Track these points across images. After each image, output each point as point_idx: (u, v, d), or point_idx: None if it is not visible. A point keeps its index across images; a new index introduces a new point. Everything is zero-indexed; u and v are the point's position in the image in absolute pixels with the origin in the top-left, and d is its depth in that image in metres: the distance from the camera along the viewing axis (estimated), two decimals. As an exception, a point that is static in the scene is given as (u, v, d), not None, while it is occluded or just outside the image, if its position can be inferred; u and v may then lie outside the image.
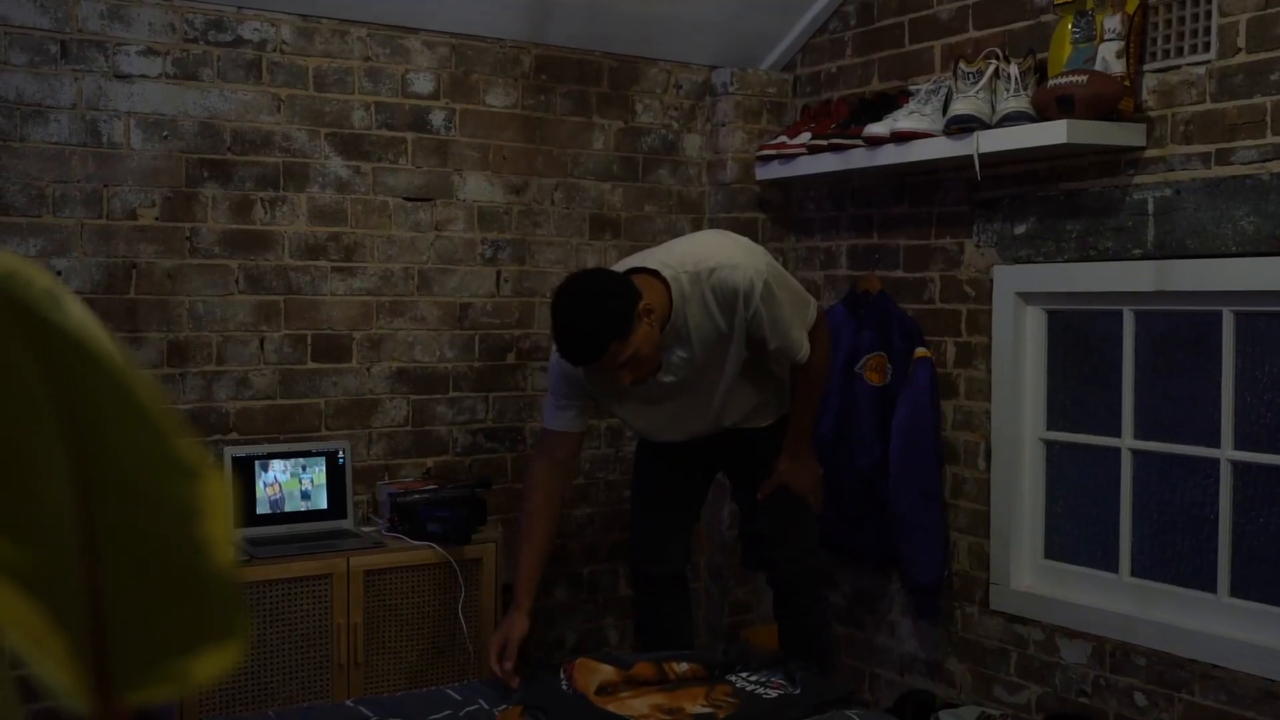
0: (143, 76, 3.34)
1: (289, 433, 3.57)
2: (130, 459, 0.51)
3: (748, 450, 3.24)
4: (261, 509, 3.41)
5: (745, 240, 3.01)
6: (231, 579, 0.54)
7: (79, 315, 0.51)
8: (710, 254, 2.88)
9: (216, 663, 0.55)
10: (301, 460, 3.49)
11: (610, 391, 3.05)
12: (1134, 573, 3.27)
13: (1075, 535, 3.45)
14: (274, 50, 3.52)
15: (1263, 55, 2.85)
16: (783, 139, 3.95)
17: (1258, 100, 2.86)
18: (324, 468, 3.51)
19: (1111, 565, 3.32)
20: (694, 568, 3.79)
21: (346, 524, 3.51)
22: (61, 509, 0.53)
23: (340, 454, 3.54)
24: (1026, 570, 3.52)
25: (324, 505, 3.50)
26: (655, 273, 2.85)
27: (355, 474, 3.61)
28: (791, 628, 3.29)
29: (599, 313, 2.72)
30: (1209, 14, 2.95)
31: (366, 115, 3.66)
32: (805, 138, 3.82)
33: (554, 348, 2.86)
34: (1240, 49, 2.89)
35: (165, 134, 3.37)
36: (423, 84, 3.74)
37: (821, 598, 3.35)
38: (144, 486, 0.52)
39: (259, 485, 3.41)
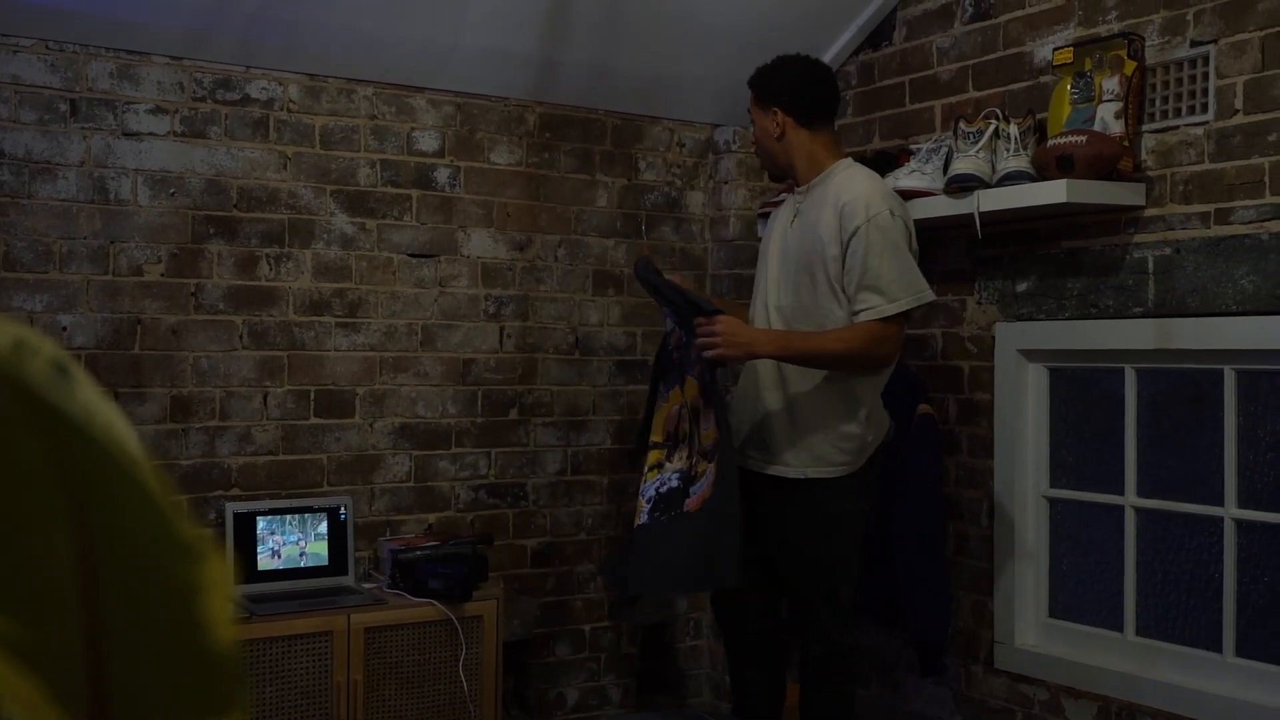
0: (151, 134, 3.37)
1: (291, 488, 3.56)
2: (134, 539, 0.52)
3: (782, 516, 3.13)
4: (262, 565, 3.40)
5: (898, 202, 3.07)
6: (232, 656, 0.54)
7: (83, 395, 0.52)
8: (854, 171, 3.10)
9: (216, 739, 0.55)
10: (303, 516, 3.48)
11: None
12: (1139, 632, 3.25)
13: (1079, 593, 3.43)
14: (281, 109, 3.55)
15: (1260, 116, 2.88)
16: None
17: (1256, 161, 2.89)
18: (326, 524, 3.51)
19: (1116, 624, 3.30)
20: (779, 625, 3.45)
21: (347, 580, 3.50)
22: (65, 586, 0.54)
23: (342, 510, 3.53)
24: (1030, 628, 3.50)
25: (325, 561, 3.49)
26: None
27: (357, 530, 3.61)
28: (812, 700, 3.23)
29: (770, 66, 3.17)
30: (1206, 76, 2.98)
31: (372, 172, 3.69)
32: (807, 195, 3.84)
33: None
34: (1238, 110, 2.92)
35: (172, 191, 3.40)
36: (428, 142, 3.78)
37: (849, 678, 3.21)
38: (147, 566, 0.52)
39: (260, 541, 3.41)
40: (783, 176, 3.27)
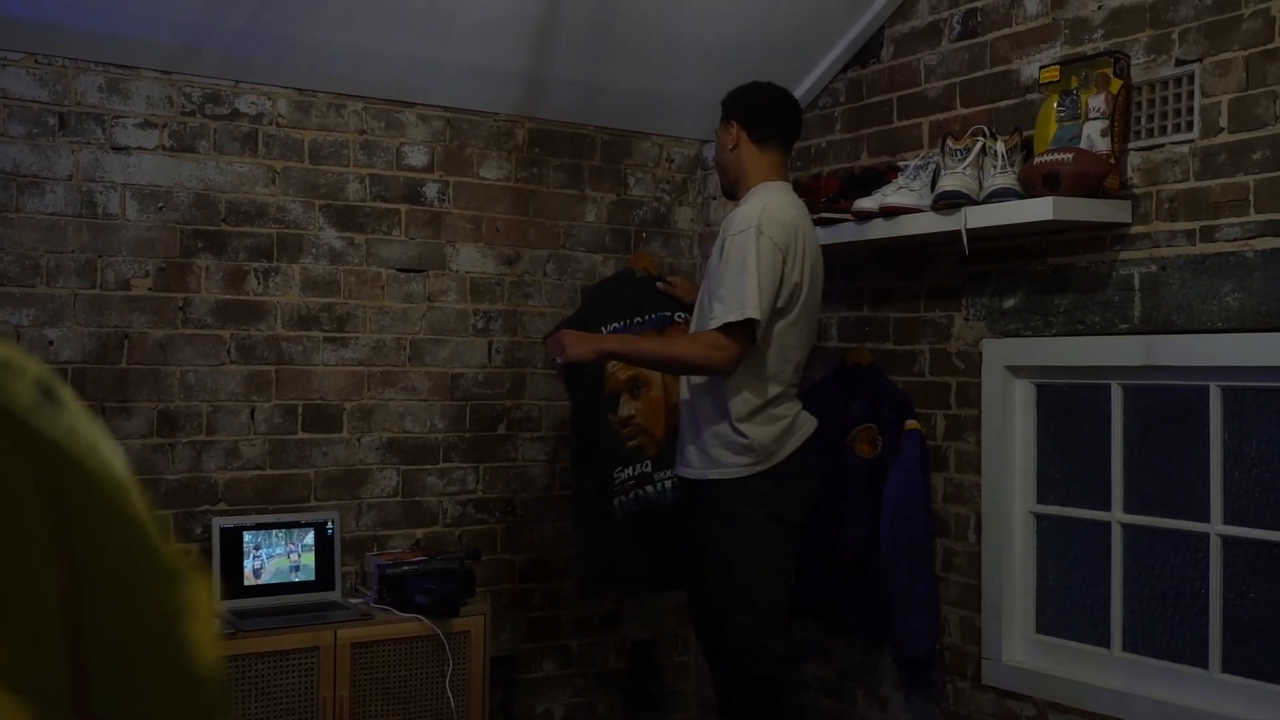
0: (139, 148, 3.37)
1: (278, 503, 3.56)
2: (118, 561, 0.52)
3: (690, 516, 3.26)
4: (249, 580, 3.39)
5: (781, 214, 3.12)
6: (215, 679, 0.54)
7: (68, 418, 0.52)
8: (763, 193, 3.19)
9: (200, 761, 0.55)
10: (290, 531, 3.47)
11: None
12: (1125, 648, 3.26)
13: (1066, 609, 3.44)
14: (270, 123, 3.56)
15: (1245, 135, 2.90)
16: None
17: (1240, 179, 2.90)
18: (313, 538, 3.50)
19: (1103, 640, 3.31)
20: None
21: (334, 595, 3.49)
22: (49, 608, 0.53)
23: (329, 524, 3.52)
24: (1018, 644, 3.50)
25: (312, 576, 3.48)
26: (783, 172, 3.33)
27: (344, 545, 3.60)
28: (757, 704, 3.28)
29: (742, 86, 3.33)
30: (1191, 94, 3.00)
31: (361, 187, 3.69)
32: (795, 211, 3.85)
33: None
34: (1223, 129, 2.94)
35: (160, 205, 3.40)
36: (417, 157, 3.78)
37: (786, 685, 3.20)
38: (131, 588, 0.52)
39: (246, 556, 3.40)
40: (732, 193, 3.36)
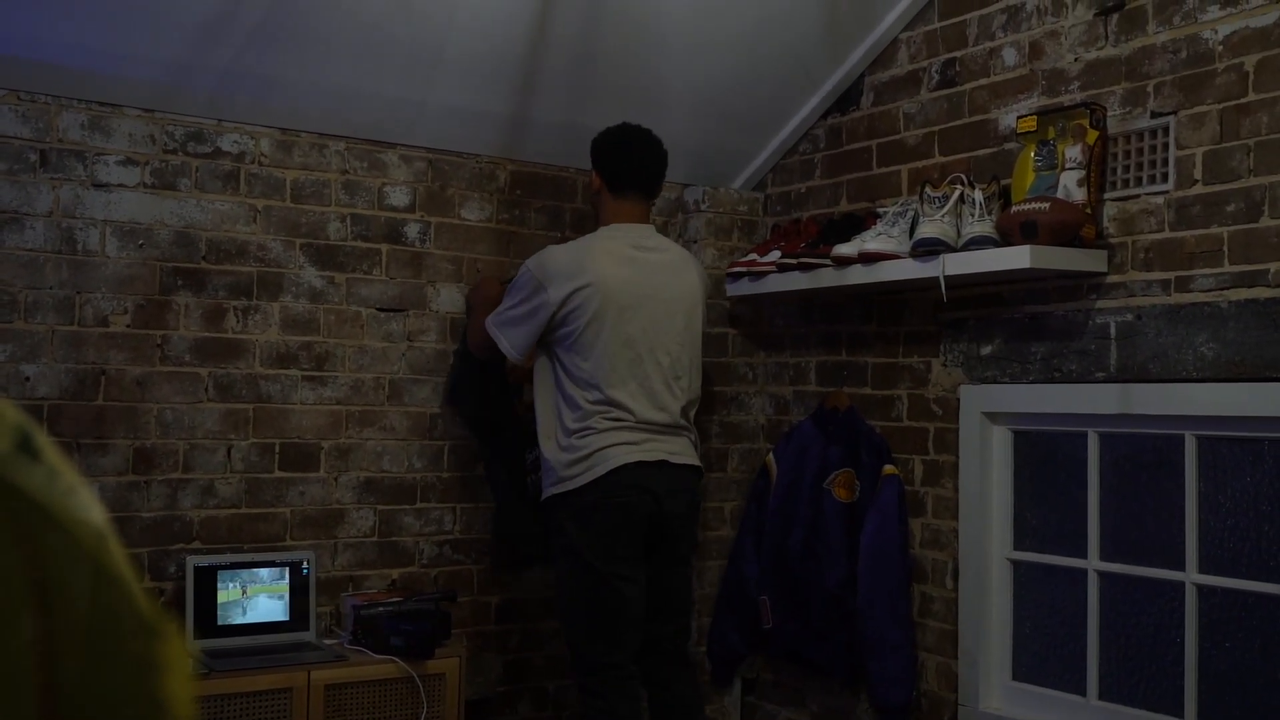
0: (120, 186, 3.37)
1: (253, 542, 3.53)
2: (95, 615, 0.52)
3: None
4: (222, 620, 3.36)
5: (568, 253, 3.36)
6: (189, 734, 0.54)
7: (44, 469, 0.52)
8: (592, 235, 3.46)
9: (171, 817, 0.54)
10: (265, 570, 3.45)
11: None
12: (1101, 696, 3.26)
13: (1043, 657, 3.44)
14: (252, 162, 3.56)
15: (1219, 187, 2.93)
16: (753, 256, 4.01)
17: (1215, 230, 2.94)
18: (288, 578, 3.47)
19: (1079, 688, 3.31)
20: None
21: (308, 636, 3.46)
22: (24, 660, 0.53)
23: (305, 564, 3.50)
24: (995, 692, 3.49)
25: (287, 616, 3.46)
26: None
27: (319, 585, 3.57)
28: None
29: (606, 130, 3.50)
30: (1167, 146, 3.04)
31: (342, 226, 3.70)
32: (775, 256, 3.88)
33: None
34: (1197, 180, 2.98)
35: (141, 242, 3.40)
36: (399, 197, 3.79)
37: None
38: (108, 642, 0.52)
39: (220, 595, 3.37)
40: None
